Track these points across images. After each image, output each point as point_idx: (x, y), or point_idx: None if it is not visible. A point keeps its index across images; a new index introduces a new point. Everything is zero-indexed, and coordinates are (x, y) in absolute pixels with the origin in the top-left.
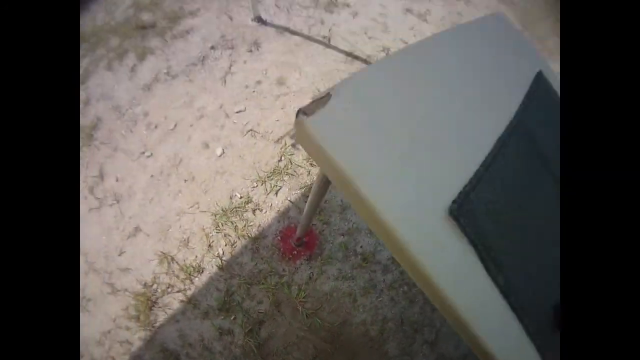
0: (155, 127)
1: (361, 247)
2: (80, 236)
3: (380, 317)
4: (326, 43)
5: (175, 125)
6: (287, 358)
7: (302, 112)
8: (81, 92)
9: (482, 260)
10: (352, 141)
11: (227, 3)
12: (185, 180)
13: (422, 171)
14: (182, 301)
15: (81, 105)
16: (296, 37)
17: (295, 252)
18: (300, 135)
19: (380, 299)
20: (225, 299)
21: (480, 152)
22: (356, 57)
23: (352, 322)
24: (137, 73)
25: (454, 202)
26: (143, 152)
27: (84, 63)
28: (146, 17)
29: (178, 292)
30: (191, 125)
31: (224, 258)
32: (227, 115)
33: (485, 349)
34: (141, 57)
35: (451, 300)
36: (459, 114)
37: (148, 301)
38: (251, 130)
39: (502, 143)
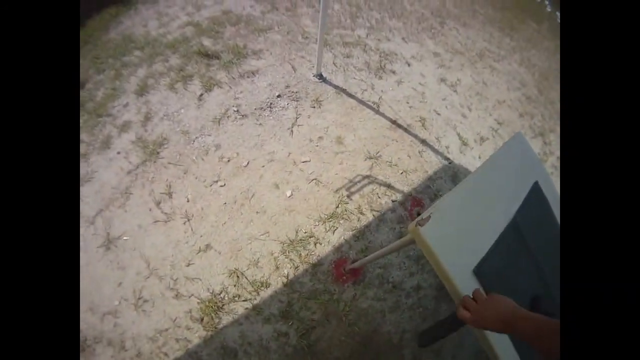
0: (228, 160)
1: (392, 277)
2: (143, 244)
3: (401, 329)
4: (376, 109)
5: (248, 163)
6: (330, 356)
7: (418, 223)
8: (142, 105)
9: None
10: (443, 242)
11: (290, 51)
12: (257, 212)
13: (472, 253)
14: (247, 308)
15: (141, 118)
16: (351, 100)
17: (345, 277)
18: (416, 237)
19: (402, 316)
20: (286, 309)
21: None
22: (399, 126)
23: (380, 331)
24: (204, 103)
25: (475, 267)
26: (216, 181)
27: (140, 74)
28: (208, 43)
29: (244, 301)
30: (263, 166)
31: (289, 277)
32: (294, 163)
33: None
34: (208, 87)
35: None
36: (490, 217)
37: (214, 306)
38: (315, 179)
39: (502, 236)
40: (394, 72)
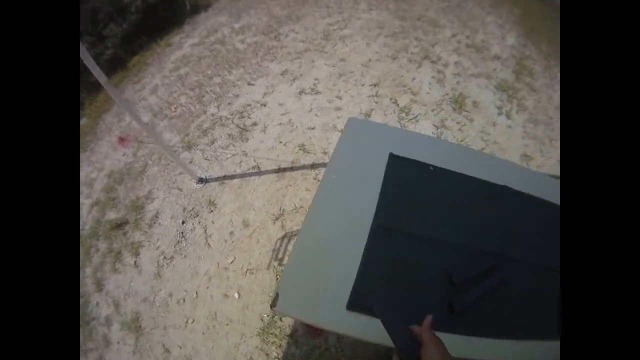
0: (184, 300)
1: None
2: None
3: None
4: (258, 172)
5: (196, 293)
6: None
7: (272, 306)
8: (107, 298)
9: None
10: (306, 302)
11: (169, 176)
12: (227, 324)
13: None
14: None
15: (113, 308)
16: (235, 180)
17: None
18: (278, 313)
19: None
20: None
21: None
22: (284, 170)
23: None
24: (141, 267)
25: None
26: (187, 321)
27: (88, 272)
28: (113, 214)
29: None
30: (207, 288)
31: (280, 356)
32: (226, 269)
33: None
34: (135, 253)
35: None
36: (349, 239)
37: None
38: (247, 270)
39: (368, 248)
40: (255, 124)
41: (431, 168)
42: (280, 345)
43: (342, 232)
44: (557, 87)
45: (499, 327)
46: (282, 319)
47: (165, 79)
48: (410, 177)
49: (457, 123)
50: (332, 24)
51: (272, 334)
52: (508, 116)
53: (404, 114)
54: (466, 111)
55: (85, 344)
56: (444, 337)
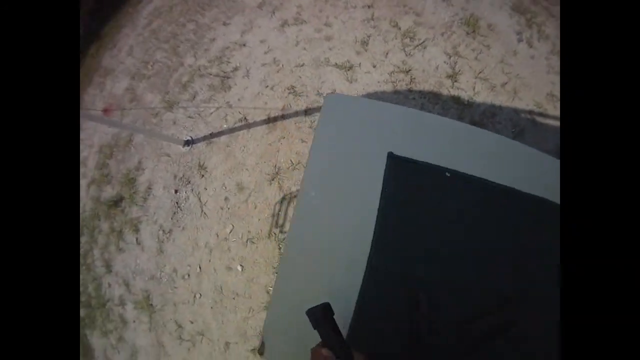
0: (188, 275)
1: None
2: None
3: None
4: (247, 125)
5: (200, 267)
6: None
7: (259, 352)
8: (117, 278)
9: None
10: (284, 351)
11: (156, 143)
12: (234, 298)
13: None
14: None
15: (124, 288)
16: (223, 138)
17: None
18: None
19: None
20: None
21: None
22: (274, 119)
23: None
24: (143, 243)
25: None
26: (194, 296)
27: (96, 254)
28: (109, 193)
29: None
30: (209, 261)
31: None
32: (226, 239)
33: None
34: (135, 229)
35: None
36: (343, 273)
37: None
38: (248, 239)
39: (363, 292)
40: (237, 69)
41: (447, 174)
42: None
43: (329, 271)
44: None
45: None
46: None
47: (139, 37)
48: (416, 189)
49: (473, 50)
50: None
51: None
52: (530, 44)
53: (407, 40)
54: (481, 35)
55: (104, 325)
56: None
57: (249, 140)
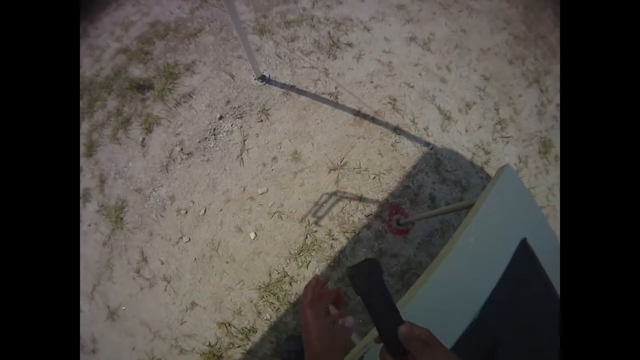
0: (186, 212)
1: None
2: (139, 311)
3: None
4: (334, 102)
5: (205, 211)
6: None
7: None
8: (94, 167)
9: None
10: None
11: (224, 54)
12: (227, 262)
13: None
14: (243, 353)
15: (97, 183)
16: (303, 98)
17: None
18: None
19: None
20: (277, 348)
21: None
22: (365, 116)
23: None
24: (148, 148)
25: None
26: (181, 237)
27: (84, 128)
28: (139, 72)
29: (238, 347)
30: (220, 210)
31: (272, 320)
32: (252, 198)
33: None
34: (147, 128)
35: None
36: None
37: (214, 356)
38: (277, 212)
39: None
40: (350, 45)
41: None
42: (277, 309)
43: (449, 308)
44: None
45: None
46: (292, 283)
47: None
48: (525, 280)
49: (536, 168)
50: None
51: (273, 294)
52: None
53: (499, 127)
54: (547, 160)
55: None
56: None
57: (329, 118)
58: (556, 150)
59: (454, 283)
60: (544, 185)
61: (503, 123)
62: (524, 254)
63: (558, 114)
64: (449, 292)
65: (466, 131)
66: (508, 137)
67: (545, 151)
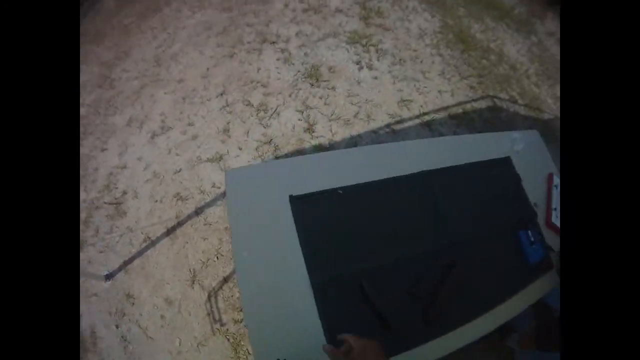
0: None
1: None
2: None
3: None
4: (151, 242)
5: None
6: None
7: None
8: None
9: None
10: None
11: (82, 287)
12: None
13: None
14: None
15: None
16: (135, 262)
17: None
18: None
19: None
20: None
21: None
22: (173, 229)
23: None
24: None
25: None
26: None
27: None
28: None
29: None
30: None
31: None
32: (179, 353)
33: None
34: None
35: None
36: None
37: None
38: (199, 344)
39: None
40: (125, 192)
41: (340, 192)
42: None
43: (285, 305)
44: (412, 16)
45: (475, 307)
46: None
47: None
48: (322, 213)
49: (320, 98)
50: (160, 46)
51: None
52: (370, 67)
53: (262, 113)
54: (325, 80)
55: None
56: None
57: (159, 256)
58: (325, 65)
59: None
60: (340, 99)
61: (262, 106)
62: (299, 204)
63: (303, 40)
64: None
65: (240, 149)
66: (274, 110)
67: (316, 78)
